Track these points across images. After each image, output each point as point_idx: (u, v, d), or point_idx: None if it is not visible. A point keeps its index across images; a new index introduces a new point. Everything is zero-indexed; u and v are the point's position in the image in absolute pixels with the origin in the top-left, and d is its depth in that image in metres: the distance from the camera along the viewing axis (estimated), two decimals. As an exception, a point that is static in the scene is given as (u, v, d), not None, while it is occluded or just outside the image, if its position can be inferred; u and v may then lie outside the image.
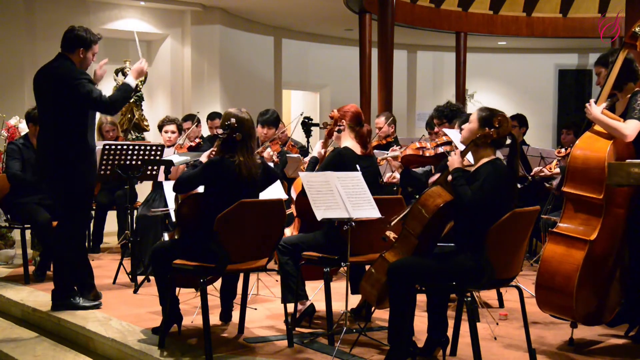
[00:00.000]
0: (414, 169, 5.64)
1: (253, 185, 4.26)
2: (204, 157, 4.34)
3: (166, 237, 4.70)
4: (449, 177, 3.72)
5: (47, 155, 4.89)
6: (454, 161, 3.77)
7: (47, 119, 4.93)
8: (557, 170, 6.19)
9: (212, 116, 8.22)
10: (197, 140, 7.24)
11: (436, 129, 5.73)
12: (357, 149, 4.71)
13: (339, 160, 4.57)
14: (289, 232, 5.12)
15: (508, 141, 3.84)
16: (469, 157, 3.93)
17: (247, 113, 4.29)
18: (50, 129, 4.89)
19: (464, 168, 3.75)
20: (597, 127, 4.19)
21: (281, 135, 7.30)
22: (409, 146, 5.58)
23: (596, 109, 4.16)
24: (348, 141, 4.73)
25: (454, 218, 3.80)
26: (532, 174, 6.47)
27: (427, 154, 5.36)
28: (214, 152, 4.29)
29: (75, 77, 4.75)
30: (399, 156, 5.52)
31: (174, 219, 4.76)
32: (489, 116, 3.76)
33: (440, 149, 5.32)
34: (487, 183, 3.60)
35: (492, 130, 3.71)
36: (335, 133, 4.74)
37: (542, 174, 6.48)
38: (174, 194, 4.42)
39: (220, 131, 4.18)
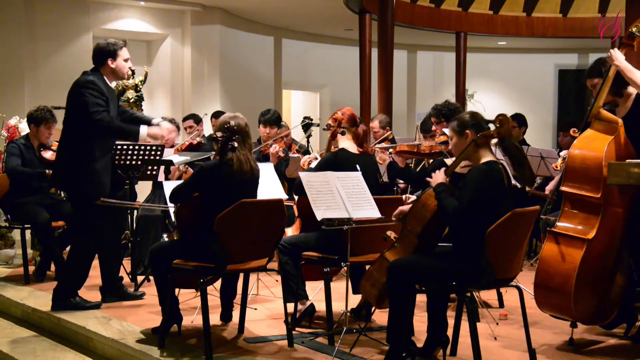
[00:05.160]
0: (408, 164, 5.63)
1: (254, 183, 4.29)
2: None
3: (165, 238, 4.70)
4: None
5: (58, 158, 5.03)
6: (437, 178, 3.77)
7: (64, 124, 5.08)
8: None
9: (216, 115, 8.21)
10: (198, 139, 7.23)
11: (434, 127, 5.72)
12: (354, 149, 4.74)
13: (332, 164, 4.56)
14: (290, 232, 5.12)
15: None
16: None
17: (239, 115, 4.34)
18: (64, 134, 5.03)
19: (447, 183, 3.75)
20: (595, 126, 4.19)
21: (285, 139, 7.30)
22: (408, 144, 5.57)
23: (621, 56, 4.12)
24: (345, 142, 4.76)
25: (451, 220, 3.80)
26: (555, 165, 6.35)
27: (422, 150, 5.35)
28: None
29: (83, 85, 4.87)
30: (395, 147, 5.46)
31: (174, 219, 4.76)
32: (461, 123, 3.79)
33: (437, 146, 5.31)
34: (472, 192, 3.59)
35: (492, 129, 3.73)
36: (338, 135, 4.77)
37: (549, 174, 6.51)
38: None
39: (219, 134, 4.20)
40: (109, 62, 5.00)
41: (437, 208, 3.69)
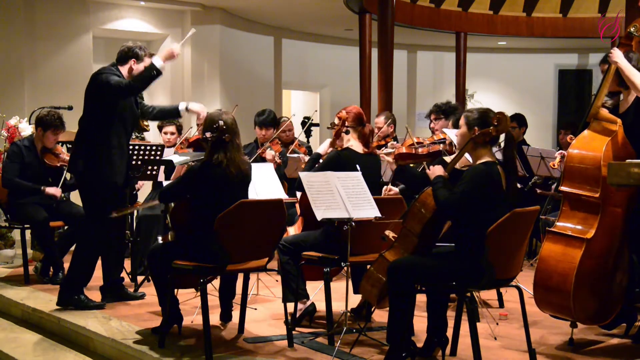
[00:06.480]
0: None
1: (244, 182, 4.28)
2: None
3: (160, 241, 4.70)
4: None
5: (76, 148, 5.07)
6: (435, 170, 3.78)
7: (82, 118, 5.12)
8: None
9: None
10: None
11: (432, 125, 5.77)
12: (359, 148, 4.73)
13: (336, 163, 4.57)
14: (293, 230, 5.12)
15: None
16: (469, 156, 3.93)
17: (226, 112, 4.33)
18: (82, 126, 5.09)
19: (445, 176, 3.75)
20: (594, 126, 4.20)
21: (288, 133, 7.28)
22: (404, 143, 5.58)
23: (620, 54, 4.15)
24: (350, 141, 4.75)
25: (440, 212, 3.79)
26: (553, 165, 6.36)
27: (421, 152, 5.36)
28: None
29: (100, 72, 4.95)
30: (392, 154, 5.50)
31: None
32: (477, 117, 3.77)
33: (435, 146, 5.32)
34: (465, 186, 3.60)
35: (490, 128, 3.72)
36: (343, 134, 4.77)
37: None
38: None
39: (208, 134, 4.18)
40: (132, 62, 5.08)
41: (437, 207, 3.69)
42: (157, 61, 4.93)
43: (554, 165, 6.06)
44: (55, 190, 6.05)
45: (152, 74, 4.93)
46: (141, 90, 5.09)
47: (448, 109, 5.66)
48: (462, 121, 3.84)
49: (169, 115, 5.46)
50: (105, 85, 4.88)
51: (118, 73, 5.00)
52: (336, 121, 4.83)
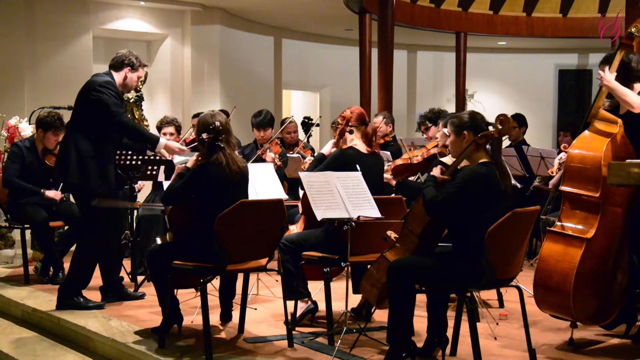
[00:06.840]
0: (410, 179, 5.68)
1: (244, 180, 4.29)
2: (190, 163, 4.36)
3: (159, 241, 4.71)
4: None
5: (65, 154, 5.00)
6: (433, 171, 3.84)
7: (70, 120, 5.13)
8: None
9: (198, 116, 8.17)
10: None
11: (424, 136, 5.86)
12: (363, 148, 4.74)
13: (340, 162, 4.59)
14: (295, 228, 5.12)
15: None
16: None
17: (218, 112, 4.37)
18: (70, 131, 5.06)
19: (439, 178, 3.77)
20: (594, 126, 4.20)
21: (293, 135, 7.28)
22: (400, 158, 5.66)
23: (610, 76, 4.18)
24: (354, 141, 4.76)
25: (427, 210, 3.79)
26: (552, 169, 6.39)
27: (415, 161, 5.40)
28: (199, 158, 4.31)
29: (101, 85, 4.92)
30: (389, 170, 5.53)
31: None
32: (466, 121, 3.77)
33: (429, 151, 5.36)
34: (452, 188, 3.62)
35: (493, 130, 3.72)
36: (346, 133, 4.78)
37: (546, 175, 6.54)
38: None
39: (205, 135, 4.19)
40: (127, 70, 5.09)
41: (423, 205, 3.71)
42: (162, 141, 4.96)
43: (552, 172, 6.06)
44: (54, 194, 6.05)
45: (147, 143, 5.04)
46: (127, 136, 5.11)
47: (433, 116, 5.84)
48: (449, 129, 3.84)
49: (147, 140, 5.30)
50: (103, 107, 4.87)
51: (118, 91, 5.00)
52: (340, 121, 4.84)
